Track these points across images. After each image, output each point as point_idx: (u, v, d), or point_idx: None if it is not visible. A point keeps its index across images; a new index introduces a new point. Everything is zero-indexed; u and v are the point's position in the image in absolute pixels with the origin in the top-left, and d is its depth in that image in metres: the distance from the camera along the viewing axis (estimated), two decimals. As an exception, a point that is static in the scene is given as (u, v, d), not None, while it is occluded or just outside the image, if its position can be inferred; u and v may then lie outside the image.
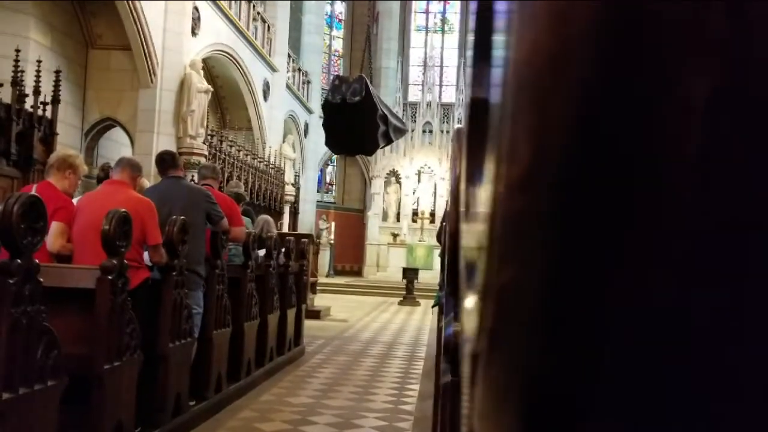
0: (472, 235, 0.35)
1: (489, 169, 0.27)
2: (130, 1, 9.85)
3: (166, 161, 4.73)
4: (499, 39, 0.26)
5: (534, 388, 0.18)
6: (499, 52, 0.25)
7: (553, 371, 0.18)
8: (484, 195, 0.30)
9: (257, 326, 5.98)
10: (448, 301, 1.05)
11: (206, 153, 11.41)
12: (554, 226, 0.17)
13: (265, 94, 17.18)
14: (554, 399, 0.18)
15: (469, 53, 0.40)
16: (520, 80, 0.19)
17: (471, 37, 0.41)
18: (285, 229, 16.11)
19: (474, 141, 0.36)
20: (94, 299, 3.31)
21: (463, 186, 0.34)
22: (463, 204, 0.34)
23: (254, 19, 16.20)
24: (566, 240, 0.16)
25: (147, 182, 5.18)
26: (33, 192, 3.91)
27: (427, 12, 27.19)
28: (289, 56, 19.69)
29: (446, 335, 0.98)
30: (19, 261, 2.55)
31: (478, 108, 0.34)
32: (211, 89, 11.86)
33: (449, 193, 1.00)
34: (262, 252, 6.24)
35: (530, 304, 0.18)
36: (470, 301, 0.32)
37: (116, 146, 11.76)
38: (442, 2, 27.20)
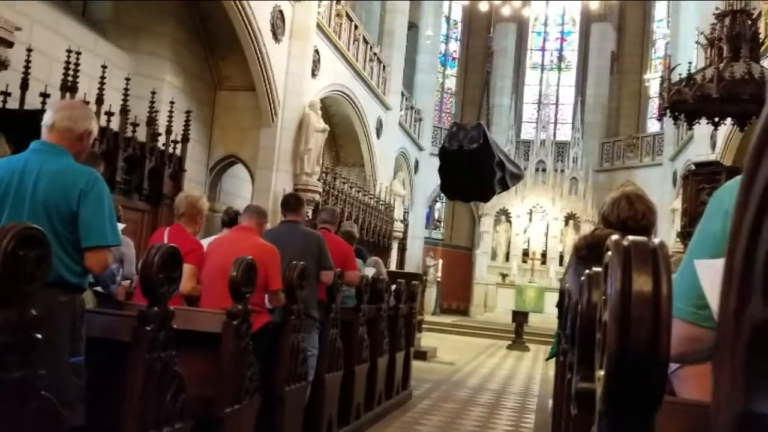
0: None
1: None
2: (257, 47, 10.35)
3: (289, 204, 4.86)
4: None
5: None
6: None
7: None
8: None
9: (367, 369, 5.99)
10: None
11: (320, 190, 11.70)
12: None
13: (378, 131, 17.50)
14: None
15: None
16: None
17: None
18: (393, 265, 16.20)
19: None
20: (219, 342, 3.42)
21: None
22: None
23: (370, 60, 16.62)
24: None
25: (268, 226, 5.34)
26: (165, 235, 4.13)
27: (543, 49, 26.92)
28: (403, 95, 20.01)
29: None
30: (156, 308, 2.67)
31: None
32: (328, 128, 12.20)
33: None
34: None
35: None
36: None
37: (238, 182, 12.29)
38: (559, 40, 26.88)
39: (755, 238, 0.31)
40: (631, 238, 0.93)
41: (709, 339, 1.34)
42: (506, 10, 20.55)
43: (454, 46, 26.82)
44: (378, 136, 17.51)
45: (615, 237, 0.99)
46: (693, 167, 8.47)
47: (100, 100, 7.37)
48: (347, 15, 14.62)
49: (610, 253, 0.95)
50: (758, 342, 0.30)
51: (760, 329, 0.30)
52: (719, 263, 0.38)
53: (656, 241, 0.94)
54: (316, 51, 12.42)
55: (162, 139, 8.81)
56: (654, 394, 0.90)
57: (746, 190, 0.33)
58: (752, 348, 0.30)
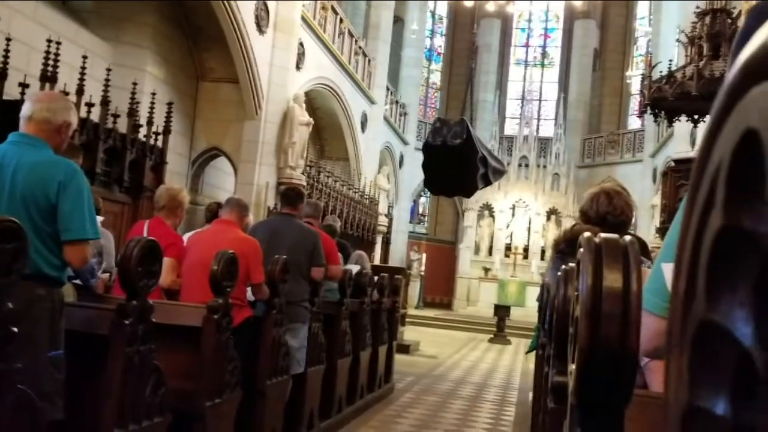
0: None
1: None
2: (240, 38, 10.29)
3: (288, 197, 4.86)
4: None
5: None
6: None
7: None
8: None
9: (349, 363, 6.00)
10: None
11: (304, 183, 11.66)
12: None
13: (363, 125, 17.48)
14: None
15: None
16: None
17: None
18: (377, 260, 16.21)
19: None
20: (200, 336, 3.41)
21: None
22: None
23: (356, 53, 16.58)
24: None
25: (252, 220, 5.33)
26: (145, 228, 4.10)
27: (527, 46, 27.00)
28: (388, 89, 19.99)
29: None
30: (134, 302, 2.66)
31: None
32: (312, 122, 12.16)
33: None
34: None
35: None
36: None
37: (221, 174, 12.22)
38: (542, 36, 26.97)
39: (700, 239, 0.32)
40: (603, 235, 0.94)
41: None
42: (491, 6, 20.61)
43: (440, 41, 26.82)
44: (363, 130, 17.48)
45: (587, 234, 1.00)
46: (672, 164, 8.55)
47: (80, 91, 7.29)
48: (332, 8, 14.57)
49: (582, 249, 0.97)
50: (701, 340, 0.31)
51: (703, 328, 0.31)
52: None
53: (627, 238, 0.95)
54: (301, 44, 12.37)
55: (143, 131, 8.73)
56: (623, 388, 0.92)
57: (693, 191, 0.35)
58: (696, 346, 0.31)
